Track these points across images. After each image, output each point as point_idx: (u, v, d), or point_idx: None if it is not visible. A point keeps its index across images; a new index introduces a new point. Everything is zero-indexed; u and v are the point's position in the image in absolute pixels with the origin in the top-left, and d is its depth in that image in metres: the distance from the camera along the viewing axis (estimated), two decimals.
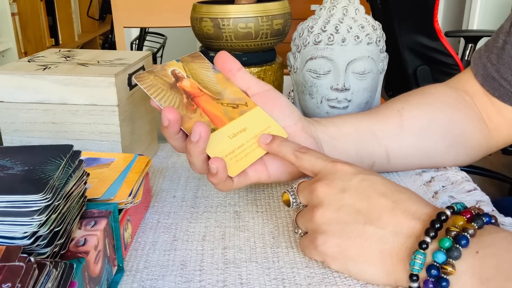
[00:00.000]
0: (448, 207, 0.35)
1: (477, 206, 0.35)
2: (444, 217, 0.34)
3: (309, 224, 0.39)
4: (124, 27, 1.43)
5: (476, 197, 0.50)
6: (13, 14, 2.18)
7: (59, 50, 0.64)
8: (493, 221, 0.34)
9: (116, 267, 0.39)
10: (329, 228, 0.37)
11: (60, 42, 2.74)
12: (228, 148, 0.44)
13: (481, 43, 2.18)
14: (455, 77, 0.59)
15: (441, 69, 1.75)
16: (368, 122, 0.52)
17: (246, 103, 0.48)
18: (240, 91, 0.48)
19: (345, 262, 0.37)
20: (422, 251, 0.33)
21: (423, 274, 0.33)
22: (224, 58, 0.49)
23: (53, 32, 2.70)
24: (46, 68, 0.54)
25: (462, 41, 2.34)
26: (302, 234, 0.41)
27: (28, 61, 0.57)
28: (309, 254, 0.39)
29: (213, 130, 0.44)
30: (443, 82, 0.59)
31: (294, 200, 0.41)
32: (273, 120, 0.48)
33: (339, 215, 0.37)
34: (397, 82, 1.83)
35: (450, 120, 0.53)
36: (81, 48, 2.94)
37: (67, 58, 0.58)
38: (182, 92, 0.46)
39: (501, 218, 0.46)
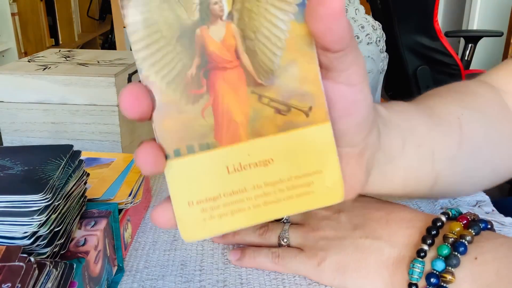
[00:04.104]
0: (443, 213, 0.35)
1: (471, 212, 0.35)
2: (440, 223, 0.34)
3: (306, 241, 0.39)
4: (124, 27, 1.43)
5: (476, 197, 0.50)
6: (13, 14, 2.18)
7: (59, 50, 0.64)
8: (489, 226, 0.34)
9: (116, 267, 0.39)
10: (328, 245, 0.37)
11: (60, 42, 2.74)
12: (212, 189, 0.25)
13: (481, 43, 2.18)
14: (493, 73, 0.48)
15: (441, 69, 1.75)
16: (432, 135, 0.38)
17: (310, 107, 0.25)
18: (316, 77, 0.25)
19: (344, 278, 0.36)
20: (420, 259, 0.33)
21: (422, 283, 0.33)
22: None
23: (53, 32, 2.70)
24: (46, 68, 0.54)
25: (462, 41, 2.34)
26: (286, 245, 0.40)
27: (28, 61, 0.57)
28: (305, 273, 0.38)
29: (206, 146, 0.25)
30: (483, 79, 0.47)
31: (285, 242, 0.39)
32: (337, 157, 0.26)
33: (336, 233, 0.38)
34: (397, 82, 1.83)
35: (500, 138, 0.43)
36: (81, 48, 2.94)
37: (67, 58, 0.58)
38: (198, 53, 0.24)
39: (501, 218, 0.46)
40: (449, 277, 0.31)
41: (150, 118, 0.24)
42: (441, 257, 0.32)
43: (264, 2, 0.24)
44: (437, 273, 0.32)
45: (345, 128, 0.27)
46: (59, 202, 0.32)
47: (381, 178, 0.35)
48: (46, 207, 0.30)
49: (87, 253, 0.32)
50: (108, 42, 3.04)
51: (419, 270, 0.32)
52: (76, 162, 0.36)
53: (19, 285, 0.24)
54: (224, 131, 0.25)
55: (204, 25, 0.24)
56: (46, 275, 0.26)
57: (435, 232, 0.33)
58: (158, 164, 0.24)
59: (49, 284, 0.26)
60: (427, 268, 0.32)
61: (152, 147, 0.24)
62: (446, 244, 0.32)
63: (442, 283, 0.31)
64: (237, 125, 0.25)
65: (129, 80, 0.55)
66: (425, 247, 0.33)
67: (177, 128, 0.24)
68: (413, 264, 0.32)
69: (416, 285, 0.33)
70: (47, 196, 0.30)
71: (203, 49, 0.24)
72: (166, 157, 0.24)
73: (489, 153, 0.42)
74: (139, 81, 0.24)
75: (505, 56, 2.40)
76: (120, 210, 0.41)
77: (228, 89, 0.24)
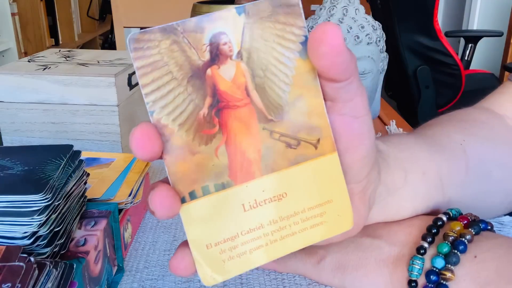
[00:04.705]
0: (443, 213, 0.35)
1: (472, 213, 0.35)
2: (440, 222, 0.34)
3: None
4: (124, 27, 1.43)
5: None
6: (13, 14, 2.19)
7: (59, 50, 0.64)
8: (489, 227, 0.34)
9: (116, 267, 0.39)
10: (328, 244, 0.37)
11: (60, 42, 2.74)
12: (230, 229, 0.25)
13: (481, 43, 2.19)
14: (494, 99, 0.47)
15: (441, 69, 1.75)
16: (435, 161, 0.38)
17: (318, 140, 0.26)
18: (322, 110, 0.26)
19: (344, 277, 0.36)
20: (420, 256, 0.33)
21: (422, 280, 0.33)
22: (329, 30, 0.23)
23: (53, 32, 2.71)
24: (46, 68, 0.54)
25: (462, 41, 2.34)
26: None
27: (28, 61, 0.57)
28: (304, 272, 0.38)
29: (222, 186, 0.25)
30: (484, 105, 0.47)
31: None
32: (345, 185, 0.27)
33: None
34: (397, 82, 1.83)
35: (509, 160, 0.42)
36: (81, 48, 2.94)
37: (67, 58, 0.58)
38: (209, 93, 0.24)
39: (500, 217, 0.46)
40: (448, 274, 0.31)
41: (161, 157, 0.24)
42: (441, 255, 0.32)
43: (271, 41, 0.24)
44: (437, 270, 0.32)
45: (350, 163, 0.27)
46: (59, 202, 0.32)
47: (383, 211, 0.35)
48: (46, 207, 0.30)
49: (87, 253, 0.32)
50: (108, 42, 3.04)
51: (419, 267, 0.32)
52: (76, 162, 0.36)
53: (19, 285, 0.24)
54: (238, 169, 0.25)
55: (215, 65, 0.24)
56: (46, 275, 0.26)
57: (435, 230, 0.33)
58: (175, 208, 0.24)
59: (49, 284, 0.26)
60: (427, 265, 0.32)
61: (168, 190, 0.24)
62: (446, 242, 0.32)
63: (442, 281, 0.31)
64: (251, 162, 0.25)
65: (129, 80, 0.55)
66: (425, 244, 0.33)
67: (191, 170, 0.24)
68: (413, 261, 0.33)
69: (415, 282, 0.33)
70: (47, 196, 0.30)
71: (214, 89, 0.24)
72: (181, 200, 0.24)
73: (501, 177, 0.41)
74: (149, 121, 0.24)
75: (505, 56, 2.40)
76: (120, 210, 0.41)
77: (241, 127, 0.25)
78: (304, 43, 0.24)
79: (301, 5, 0.24)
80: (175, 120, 0.23)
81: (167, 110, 0.23)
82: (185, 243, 0.25)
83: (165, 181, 0.25)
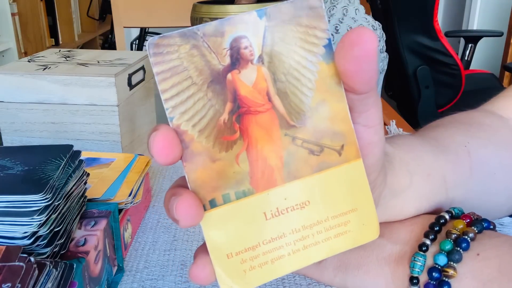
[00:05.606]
0: (446, 212, 0.35)
1: (474, 212, 0.35)
2: (443, 220, 0.34)
3: None
4: (124, 27, 1.43)
5: None
6: (13, 14, 2.19)
7: (59, 50, 0.64)
8: (492, 226, 0.34)
9: (116, 267, 0.39)
10: None
11: (60, 42, 2.74)
12: (251, 238, 0.25)
13: (481, 43, 2.19)
14: (499, 102, 0.47)
15: (441, 69, 1.75)
16: (439, 162, 0.38)
17: (342, 146, 0.25)
18: (346, 116, 0.25)
19: (345, 276, 0.36)
20: (422, 253, 0.33)
21: (423, 277, 0.33)
22: (366, 34, 0.22)
23: (53, 32, 2.71)
24: (46, 68, 0.54)
25: (462, 41, 2.34)
26: None
27: (28, 61, 0.57)
28: (305, 271, 0.38)
29: (243, 193, 0.24)
30: (488, 108, 0.47)
31: None
32: (371, 193, 0.27)
33: None
34: (397, 82, 1.83)
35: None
36: (81, 48, 2.94)
37: (67, 58, 0.58)
38: (229, 98, 0.23)
39: (501, 218, 0.46)
40: (451, 271, 0.31)
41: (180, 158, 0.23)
42: (443, 252, 0.32)
43: (293, 44, 0.24)
44: (439, 267, 0.32)
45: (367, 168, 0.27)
46: (59, 202, 0.32)
47: (386, 212, 0.35)
48: (46, 207, 0.30)
49: (87, 253, 0.32)
50: (108, 42, 3.04)
51: (420, 263, 0.32)
52: (76, 162, 0.36)
53: (19, 285, 0.24)
54: (260, 177, 0.24)
55: (235, 70, 0.23)
56: (46, 275, 0.26)
57: (437, 228, 0.33)
58: (200, 216, 0.23)
59: (49, 284, 0.26)
60: (429, 262, 0.32)
61: (193, 198, 0.23)
62: (449, 239, 0.32)
63: (444, 278, 0.32)
64: (273, 170, 0.24)
65: (129, 80, 0.55)
66: (427, 241, 0.33)
67: (212, 177, 0.24)
68: (415, 258, 0.32)
69: (417, 279, 0.33)
70: (47, 196, 0.30)
71: (235, 94, 0.23)
72: None
73: (504, 179, 0.42)
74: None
75: (505, 56, 2.40)
76: (120, 210, 0.41)
77: (262, 133, 0.24)
78: (328, 46, 0.24)
79: (324, 7, 0.23)
80: (195, 126, 0.23)
81: (186, 116, 0.23)
82: (203, 250, 0.25)
83: (184, 185, 0.24)
